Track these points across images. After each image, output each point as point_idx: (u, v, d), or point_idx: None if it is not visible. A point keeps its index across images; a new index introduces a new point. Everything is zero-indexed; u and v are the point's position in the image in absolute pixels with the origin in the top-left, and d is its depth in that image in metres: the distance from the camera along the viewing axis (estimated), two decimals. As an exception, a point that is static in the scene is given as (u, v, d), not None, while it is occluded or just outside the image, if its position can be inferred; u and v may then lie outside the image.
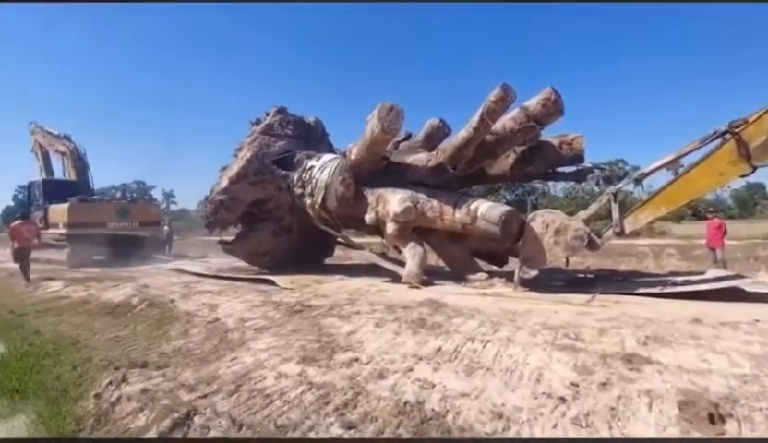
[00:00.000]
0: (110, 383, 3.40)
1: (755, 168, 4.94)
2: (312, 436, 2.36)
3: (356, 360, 3.33)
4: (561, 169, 7.43)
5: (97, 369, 3.88)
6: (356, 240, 9.66)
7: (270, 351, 3.71)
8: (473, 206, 6.16)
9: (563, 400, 2.48)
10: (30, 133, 17.78)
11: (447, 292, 5.80)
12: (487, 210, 5.98)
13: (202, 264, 11.78)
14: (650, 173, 5.69)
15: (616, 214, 5.60)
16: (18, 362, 4.52)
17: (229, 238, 9.50)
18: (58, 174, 17.08)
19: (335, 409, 2.59)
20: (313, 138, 9.74)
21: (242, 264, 9.64)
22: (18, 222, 10.53)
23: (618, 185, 5.86)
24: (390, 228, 6.87)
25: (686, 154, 5.32)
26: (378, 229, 7.49)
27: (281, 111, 9.39)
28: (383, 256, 8.21)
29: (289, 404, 2.72)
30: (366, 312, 4.65)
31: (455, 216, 6.30)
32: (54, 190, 15.18)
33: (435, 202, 6.58)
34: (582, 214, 5.86)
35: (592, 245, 5.66)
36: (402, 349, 3.47)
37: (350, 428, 2.37)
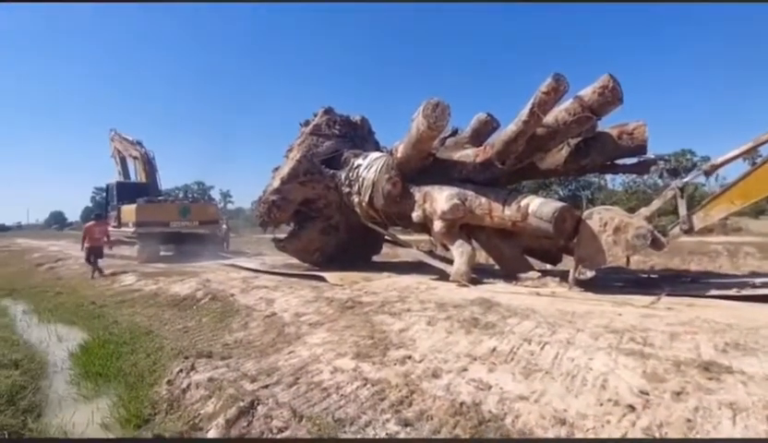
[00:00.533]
0: (180, 371, 3.67)
1: None
2: (369, 431, 2.40)
3: (409, 358, 3.34)
4: (621, 161, 6.90)
5: (168, 357, 4.20)
6: (404, 238, 9.67)
7: (325, 346, 3.82)
8: (523, 202, 5.91)
9: (632, 408, 2.34)
10: (110, 140, 19.51)
11: (498, 290, 5.65)
12: (539, 207, 5.71)
13: (257, 261, 12.35)
14: (722, 165, 5.27)
15: (683, 210, 5.20)
16: (101, 348, 4.99)
17: (282, 236, 9.85)
18: (134, 177, 18.58)
19: (391, 405, 2.62)
20: (360, 137, 9.82)
21: (294, 261, 9.98)
22: (91, 223, 11.62)
23: (686, 179, 5.46)
24: (438, 226, 6.77)
25: (765, 143, 4.89)
26: (425, 227, 7.40)
27: (328, 111, 9.56)
28: (430, 253, 8.13)
29: (346, 398, 2.79)
30: (417, 310, 4.65)
31: (505, 213, 6.07)
32: (127, 192, 16.57)
33: (483, 199, 6.38)
34: (645, 211, 5.50)
35: (656, 244, 5.26)
36: (455, 348, 3.44)
37: (406, 426, 2.39)
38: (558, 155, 6.95)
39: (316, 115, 9.58)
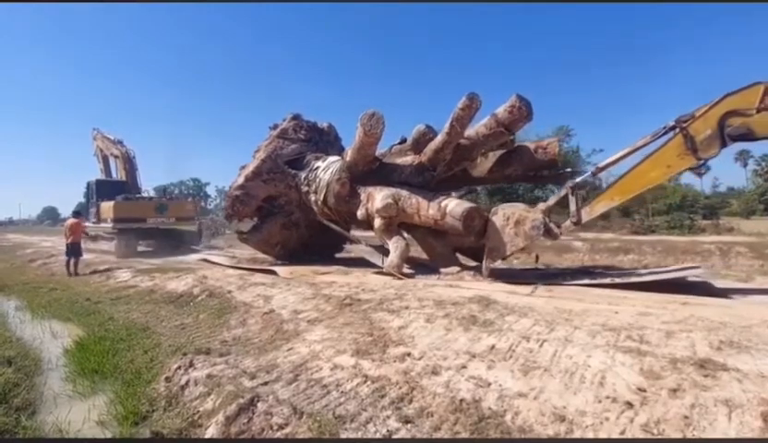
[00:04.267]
0: (179, 368, 3.65)
1: (703, 160, 5.22)
2: (370, 427, 2.41)
3: (409, 355, 3.35)
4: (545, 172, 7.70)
5: (166, 354, 4.18)
6: (365, 235, 10.05)
7: (324, 342, 3.82)
8: (443, 203, 6.66)
9: (630, 405, 2.37)
10: (92, 138, 19.69)
11: (495, 289, 5.73)
12: (453, 207, 6.46)
13: (226, 255, 12.82)
14: (605, 168, 6.13)
15: (573, 206, 6.00)
16: (96, 345, 4.94)
17: (244, 229, 10.30)
18: (115, 175, 18.75)
19: (391, 402, 2.63)
20: (325, 142, 10.55)
21: (261, 255, 10.39)
22: (72, 220, 11.68)
23: (576, 180, 6.16)
24: (377, 223, 7.43)
25: (639, 148, 5.65)
26: (369, 223, 7.98)
27: (295, 117, 10.36)
28: (380, 248, 8.44)
29: (346, 395, 2.80)
30: (416, 307, 4.66)
31: (429, 212, 6.82)
32: (106, 189, 16.94)
33: (414, 199, 7.10)
34: (542, 205, 6.23)
35: (550, 234, 6.05)
36: (454, 345, 3.46)
37: (407, 423, 2.40)
38: (485, 164, 7.88)
39: (285, 120, 10.27)
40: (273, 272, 7.96)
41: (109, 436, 3.15)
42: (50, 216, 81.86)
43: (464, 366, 3.02)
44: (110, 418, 3.38)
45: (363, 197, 7.92)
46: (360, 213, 7.88)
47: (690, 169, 5.63)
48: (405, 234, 7.73)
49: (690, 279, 5.98)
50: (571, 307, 4.34)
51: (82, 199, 19.18)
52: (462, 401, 2.54)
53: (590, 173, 6.26)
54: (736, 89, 5.11)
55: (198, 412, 2.95)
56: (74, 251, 10.89)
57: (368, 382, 2.92)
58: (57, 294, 8.38)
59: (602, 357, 2.95)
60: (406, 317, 4.30)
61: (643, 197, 22.79)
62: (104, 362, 4.45)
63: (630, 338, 3.29)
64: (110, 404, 3.55)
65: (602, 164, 6.12)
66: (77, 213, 13.33)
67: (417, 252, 8.50)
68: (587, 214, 5.95)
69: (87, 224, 15.33)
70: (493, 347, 3.30)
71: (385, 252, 7.64)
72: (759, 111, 4.96)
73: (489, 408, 2.46)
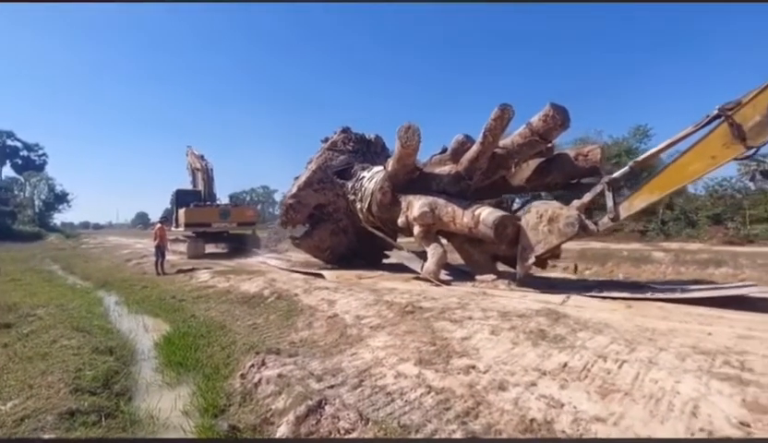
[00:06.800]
0: (252, 366, 3.88)
1: (754, 149, 4.90)
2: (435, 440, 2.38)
3: (473, 367, 3.27)
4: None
5: (241, 352, 4.46)
6: (408, 242, 10.16)
7: (387, 350, 3.85)
8: (477, 211, 6.71)
9: (730, 441, 2.11)
10: (186, 154, 21.83)
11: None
12: (486, 216, 6.50)
13: (283, 259, 13.72)
14: (644, 162, 6.00)
15: (610, 202, 5.85)
16: (181, 340, 5.41)
17: (297, 235, 10.89)
18: (201, 186, 20.60)
19: (456, 416, 2.58)
20: (372, 153, 11.06)
21: (314, 259, 10.99)
22: (159, 225, 13.10)
23: (613, 175, 6.01)
24: (416, 230, 7.69)
25: (680, 139, 5.37)
26: (410, 230, 8.13)
27: (345, 130, 10.99)
28: (422, 255, 8.45)
29: (410, 405, 2.79)
30: (479, 318, 4.55)
31: (463, 220, 6.88)
32: (185, 198, 18.78)
33: (450, 208, 7.20)
34: (576, 202, 6.11)
35: (586, 231, 5.89)
36: (521, 361, 3.31)
37: (474, 439, 2.34)
38: (524, 173, 7.78)
39: (335, 133, 10.90)
40: (321, 276, 8.39)
41: (192, 425, 3.41)
42: (141, 221, 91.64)
43: (534, 384, 2.88)
44: (192, 409, 3.67)
45: (403, 205, 8.18)
46: (401, 221, 8.14)
47: (737, 159, 5.20)
48: (444, 241, 7.86)
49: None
50: (655, 326, 3.98)
51: (168, 206, 21.29)
52: (532, 420, 2.42)
53: (628, 167, 5.94)
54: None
55: (271, 409, 3.11)
56: (160, 252, 12.10)
57: (432, 393, 2.89)
58: (148, 292, 9.32)
59: (694, 384, 2.66)
60: (470, 328, 4.21)
61: (739, 202, 20.30)
62: (188, 356, 4.86)
63: (728, 363, 2.94)
64: (192, 396, 3.86)
65: (640, 159, 5.98)
66: (163, 219, 14.92)
67: (458, 259, 8.49)
68: (625, 210, 5.77)
69: (172, 229, 17.13)
70: (565, 365, 3.12)
71: (425, 258, 7.71)
72: None
73: (563, 431, 2.32)
